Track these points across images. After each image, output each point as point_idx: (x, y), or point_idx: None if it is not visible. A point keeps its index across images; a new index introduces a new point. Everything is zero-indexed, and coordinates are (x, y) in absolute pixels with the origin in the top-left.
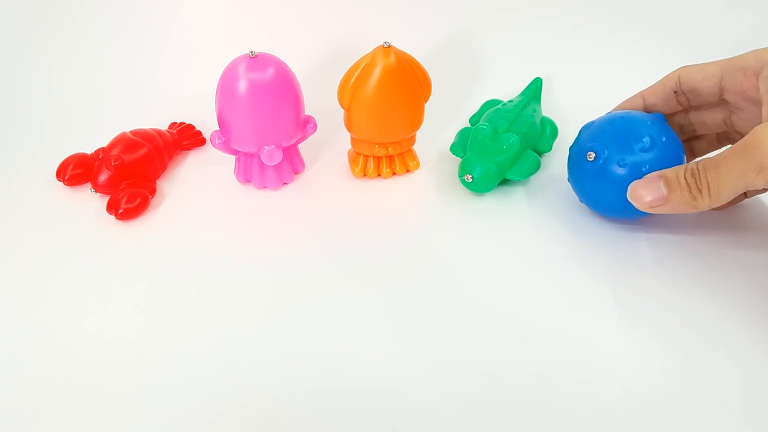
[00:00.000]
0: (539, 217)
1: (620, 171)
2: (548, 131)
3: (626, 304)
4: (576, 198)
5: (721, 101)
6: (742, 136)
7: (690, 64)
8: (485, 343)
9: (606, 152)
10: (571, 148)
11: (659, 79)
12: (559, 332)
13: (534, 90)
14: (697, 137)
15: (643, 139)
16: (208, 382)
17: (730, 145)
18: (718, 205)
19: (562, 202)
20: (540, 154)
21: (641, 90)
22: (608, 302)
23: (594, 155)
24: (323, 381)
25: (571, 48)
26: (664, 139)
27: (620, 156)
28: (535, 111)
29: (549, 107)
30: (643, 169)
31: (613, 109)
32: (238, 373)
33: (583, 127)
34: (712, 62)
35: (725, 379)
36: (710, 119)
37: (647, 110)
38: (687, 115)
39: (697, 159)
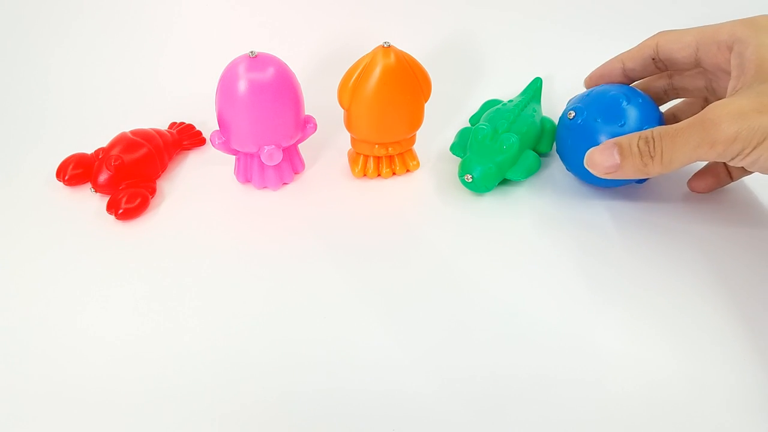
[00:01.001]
0: (539, 216)
1: (601, 129)
2: (548, 131)
3: (629, 304)
4: (577, 198)
5: (700, 69)
6: None
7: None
8: (485, 343)
9: (585, 112)
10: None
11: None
12: (559, 332)
13: (534, 90)
14: (685, 105)
15: (622, 102)
16: (209, 383)
17: None
18: (668, 171)
19: (562, 201)
20: (540, 154)
21: (620, 54)
22: (610, 302)
23: (574, 113)
24: (323, 381)
25: (571, 48)
26: (640, 100)
27: (599, 115)
28: (535, 111)
29: (549, 107)
30: (621, 124)
31: (591, 72)
32: (238, 374)
33: (567, 103)
34: (689, 30)
35: (730, 380)
36: (692, 85)
37: (626, 74)
38: (671, 81)
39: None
